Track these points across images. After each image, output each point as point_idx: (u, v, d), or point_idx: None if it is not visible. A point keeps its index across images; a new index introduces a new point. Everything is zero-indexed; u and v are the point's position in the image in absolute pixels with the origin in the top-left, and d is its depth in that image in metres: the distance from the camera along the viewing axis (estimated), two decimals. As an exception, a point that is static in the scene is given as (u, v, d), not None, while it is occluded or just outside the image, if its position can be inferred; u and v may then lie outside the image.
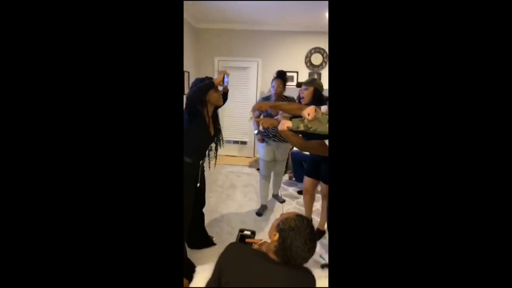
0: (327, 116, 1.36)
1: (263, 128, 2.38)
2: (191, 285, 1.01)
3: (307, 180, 2.14)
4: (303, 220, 0.88)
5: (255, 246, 1.03)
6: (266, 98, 2.39)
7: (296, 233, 0.84)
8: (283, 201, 2.77)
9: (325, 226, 2.12)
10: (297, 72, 4.11)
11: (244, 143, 4.36)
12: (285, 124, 1.40)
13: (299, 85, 2.08)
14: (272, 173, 2.59)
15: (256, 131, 2.59)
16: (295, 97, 2.37)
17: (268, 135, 2.39)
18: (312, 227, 0.89)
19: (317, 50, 4.09)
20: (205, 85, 1.43)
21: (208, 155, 1.71)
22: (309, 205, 2.21)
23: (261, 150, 2.46)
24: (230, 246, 0.93)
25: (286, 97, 2.30)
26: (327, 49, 4.07)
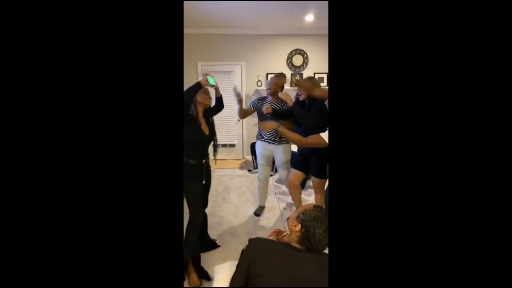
0: None
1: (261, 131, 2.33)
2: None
3: (294, 172, 2.16)
4: (321, 210, 0.96)
5: (273, 237, 1.09)
6: (262, 99, 2.34)
7: (317, 222, 0.91)
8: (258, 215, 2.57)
9: None
10: (280, 74, 4.23)
11: (232, 145, 4.39)
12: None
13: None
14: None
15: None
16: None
17: (262, 137, 2.34)
18: (328, 215, 0.97)
19: (298, 51, 4.23)
20: (193, 86, 1.57)
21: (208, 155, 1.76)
22: (297, 196, 2.26)
23: (258, 154, 2.42)
24: (253, 240, 0.97)
25: (281, 99, 2.16)
26: (307, 51, 4.24)
